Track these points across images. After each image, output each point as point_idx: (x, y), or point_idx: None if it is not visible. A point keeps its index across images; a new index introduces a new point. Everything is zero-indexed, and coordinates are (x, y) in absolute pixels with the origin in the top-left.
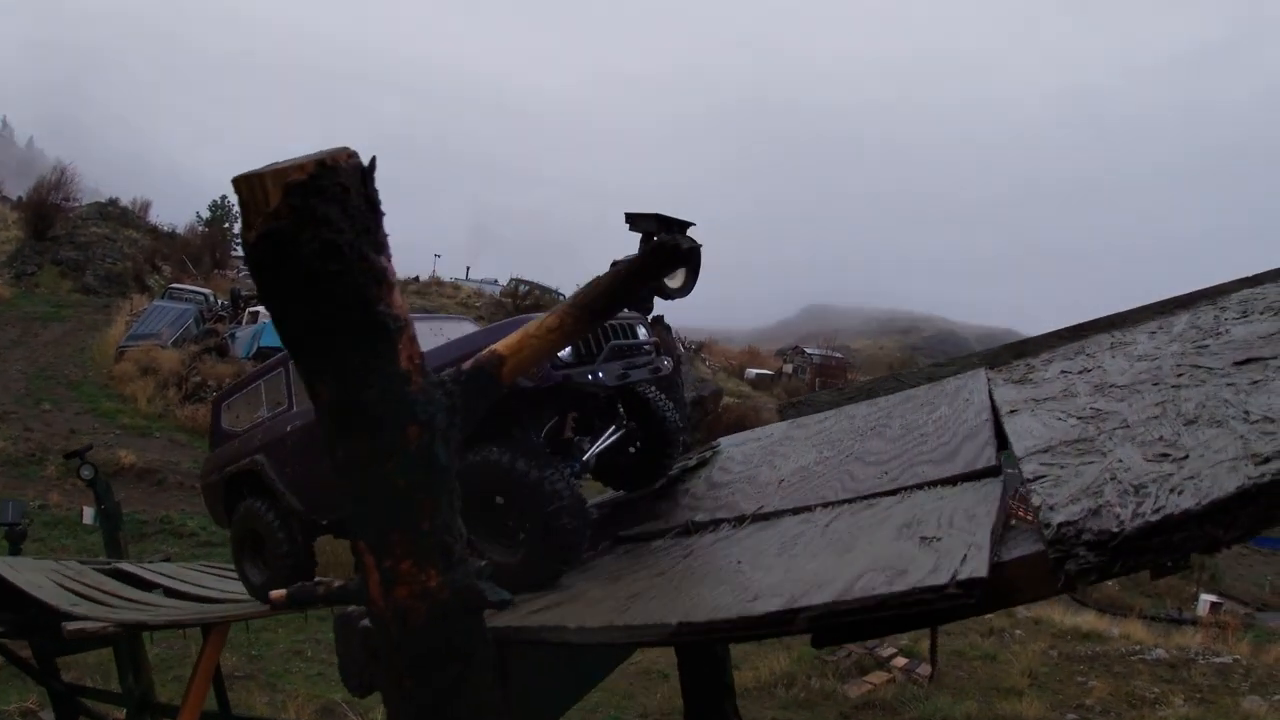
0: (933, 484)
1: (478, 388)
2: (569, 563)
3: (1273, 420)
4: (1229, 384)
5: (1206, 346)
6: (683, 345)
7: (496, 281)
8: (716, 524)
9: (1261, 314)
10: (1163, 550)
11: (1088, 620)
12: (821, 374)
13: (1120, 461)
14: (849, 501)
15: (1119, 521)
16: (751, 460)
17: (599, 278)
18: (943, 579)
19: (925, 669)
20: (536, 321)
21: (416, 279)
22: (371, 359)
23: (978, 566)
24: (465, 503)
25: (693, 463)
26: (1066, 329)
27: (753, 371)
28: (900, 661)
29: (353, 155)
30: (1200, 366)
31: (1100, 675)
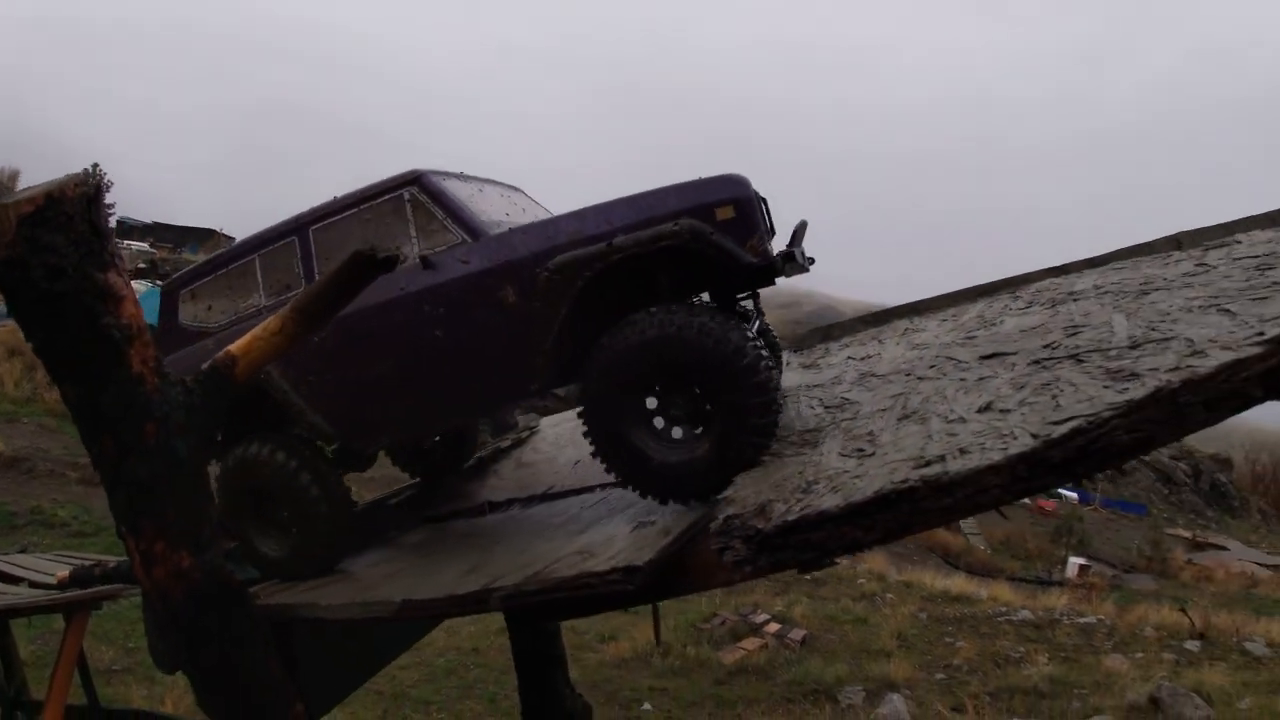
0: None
1: (216, 385)
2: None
3: (964, 421)
4: (961, 379)
5: (974, 338)
6: None
7: None
8: (510, 504)
9: (1042, 306)
10: (802, 548)
11: (958, 583)
12: None
13: (821, 456)
14: (600, 488)
15: (768, 519)
16: (560, 441)
17: (311, 286)
18: (605, 566)
19: (798, 634)
20: (263, 325)
21: None
22: (104, 366)
23: (643, 555)
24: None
25: (507, 443)
26: (872, 314)
27: None
28: (773, 627)
29: (81, 184)
30: (952, 359)
31: (968, 636)
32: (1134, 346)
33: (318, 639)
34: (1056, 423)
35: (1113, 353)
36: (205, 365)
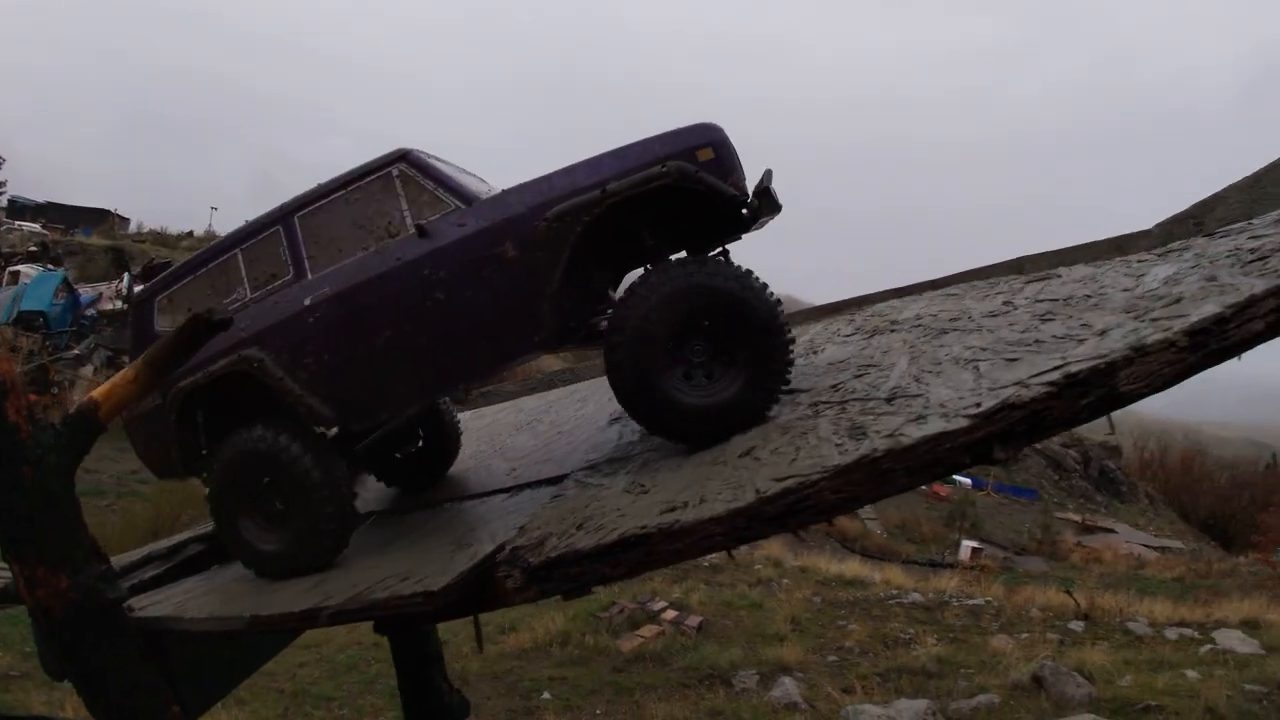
0: (540, 484)
1: (83, 427)
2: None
3: (724, 465)
4: None
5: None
6: None
7: None
8: (369, 515)
9: (864, 335)
10: (562, 580)
11: (852, 567)
12: None
13: (608, 491)
14: (472, 497)
15: (540, 554)
16: None
17: (161, 341)
18: (409, 590)
19: (694, 620)
20: (121, 373)
21: (190, 234)
22: None
23: (442, 581)
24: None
25: None
26: None
27: None
28: (670, 614)
29: None
30: None
31: (860, 619)
32: (890, 399)
33: (192, 646)
34: (778, 479)
35: (871, 404)
36: (74, 409)
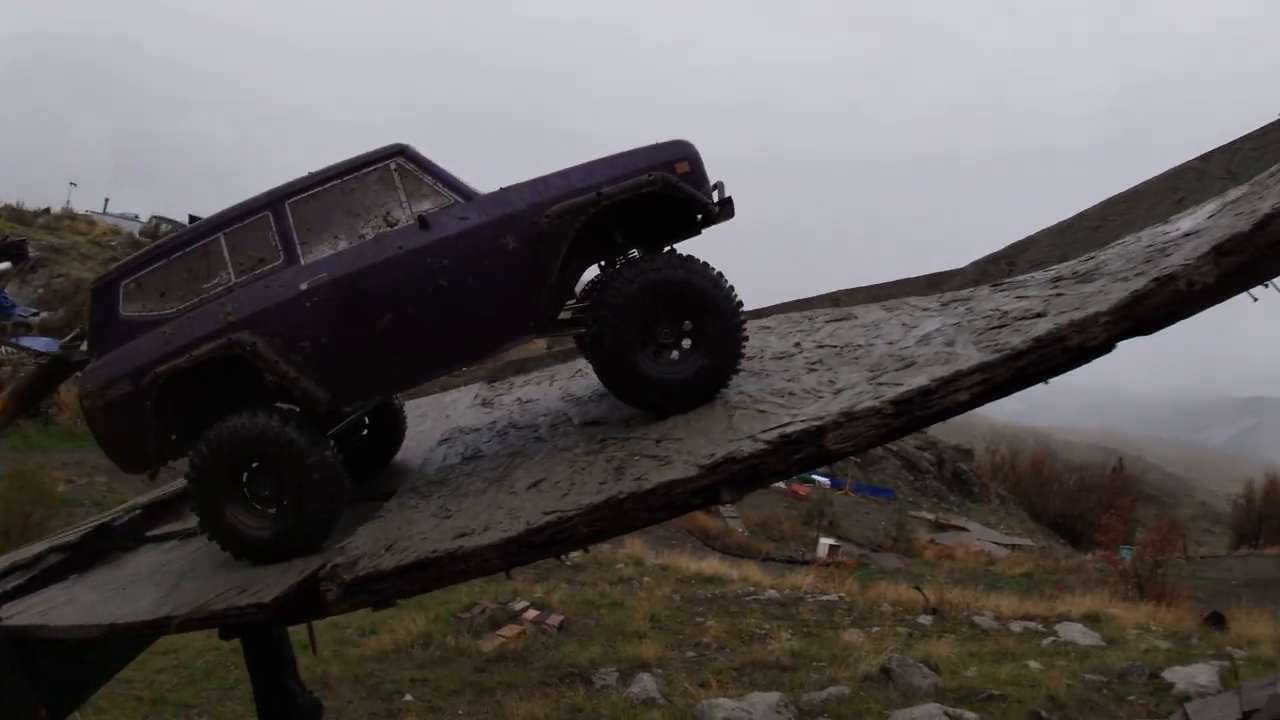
0: (367, 500)
1: None
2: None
3: (514, 494)
4: (552, 447)
5: (603, 398)
6: None
7: (137, 217)
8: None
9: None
10: (370, 594)
11: (711, 565)
12: None
13: (419, 514)
14: None
15: (353, 571)
16: None
17: (24, 378)
18: (245, 601)
19: (556, 619)
20: None
21: (47, 210)
22: None
23: (273, 593)
24: None
25: None
26: (562, 350)
27: None
28: (532, 614)
29: None
30: (567, 421)
31: (717, 615)
32: (658, 441)
33: (58, 650)
34: (546, 513)
35: (643, 444)
36: None
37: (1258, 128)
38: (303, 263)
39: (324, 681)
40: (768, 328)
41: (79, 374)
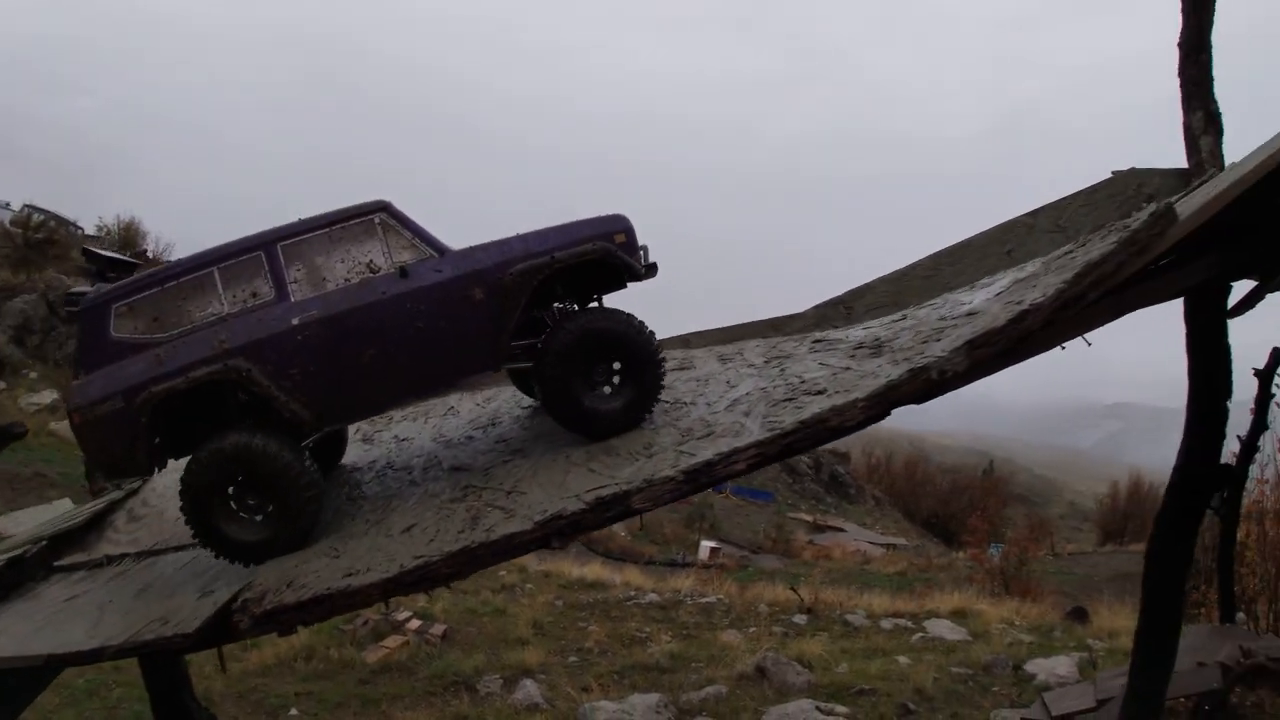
0: None
1: None
2: None
3: (390, 537)
4: (424, 490)
5: (470, 440)
6: None
7: (9, 205)
8: (123, 558)
9: (528, 408)
10: (275, 625)
11: (594, 570)
12: None
13: (312, 552)
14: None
15: (260, 605)
16: (167, 494)
17: None
18: (171, 632)
19: (439, 629)
20: None
21: None
22: None
23: (194, 624)
24: None
25: (121, 494)
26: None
27: None
28: (415, 624)
29: None
30: (437, 464)
31: (599, 620)
32: (509, 493)
33: None
34: (416, 557)
35: (498, 494)
36: None
37: (1088, 185)
38: (292, 300)
39: (207, 698)
40: None
41: (71, 387)
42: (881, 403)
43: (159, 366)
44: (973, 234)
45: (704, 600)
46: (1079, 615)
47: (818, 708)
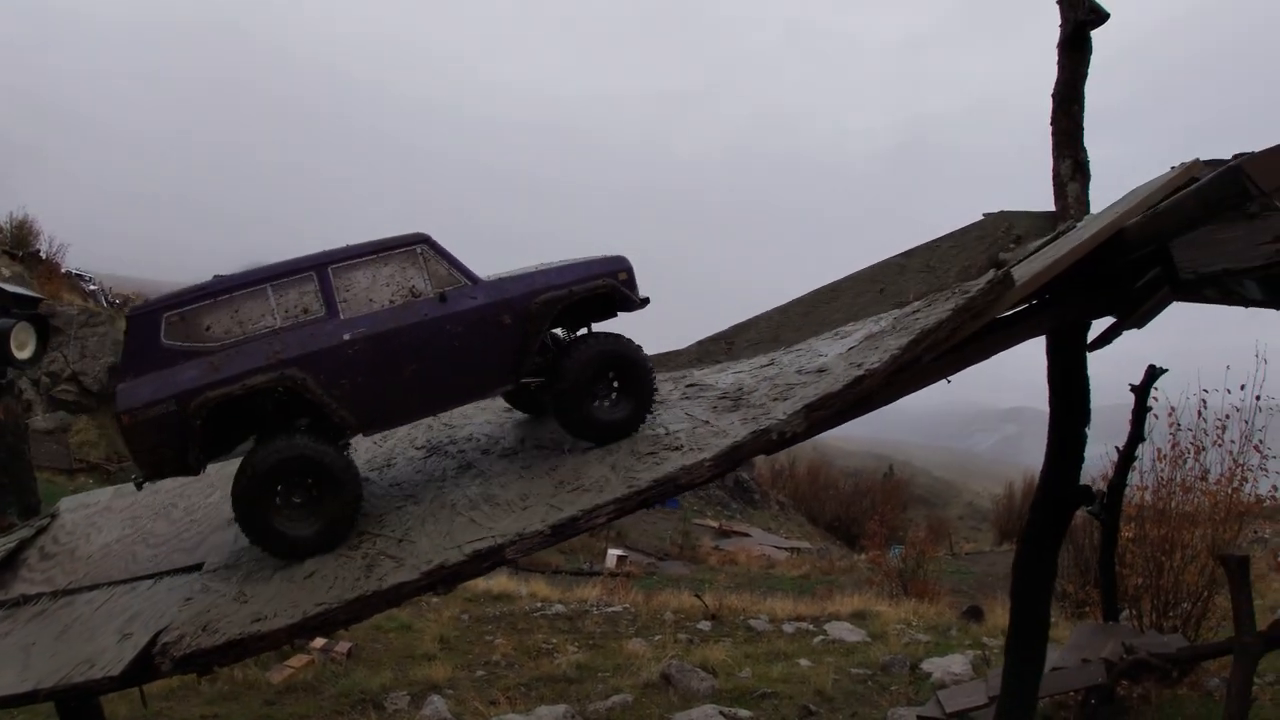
0: (177, 572)
1: None
2: None
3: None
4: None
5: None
6: (106, 299)
7: None
8: (39, 597)
9: (421, 449)
10: (194, 666)
11: (500, 582)
12: None
13: (222, 598)
14: (123, 582)
15: (180, 647)
16: (76, 531)
17: None
18: (99, 675)
19: (344, 646)
20: None
21: None
22: None
23: (118, 667)
24: None
25: (32, 531)
26: None
27: None
28: (319, 642)
29: None
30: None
31: (506, 632)
32: (400, 540)
33: None
34: (319, 604)
35: (389, 543)
36: None
37: (959, 227)
38: (341, 317)
39: None
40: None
41: (118, 389)
42: (726, 461)
43: (214, 373)
44: (847, 273)
45: (610, 610)
46: (974, 614)
47: (721, 713)
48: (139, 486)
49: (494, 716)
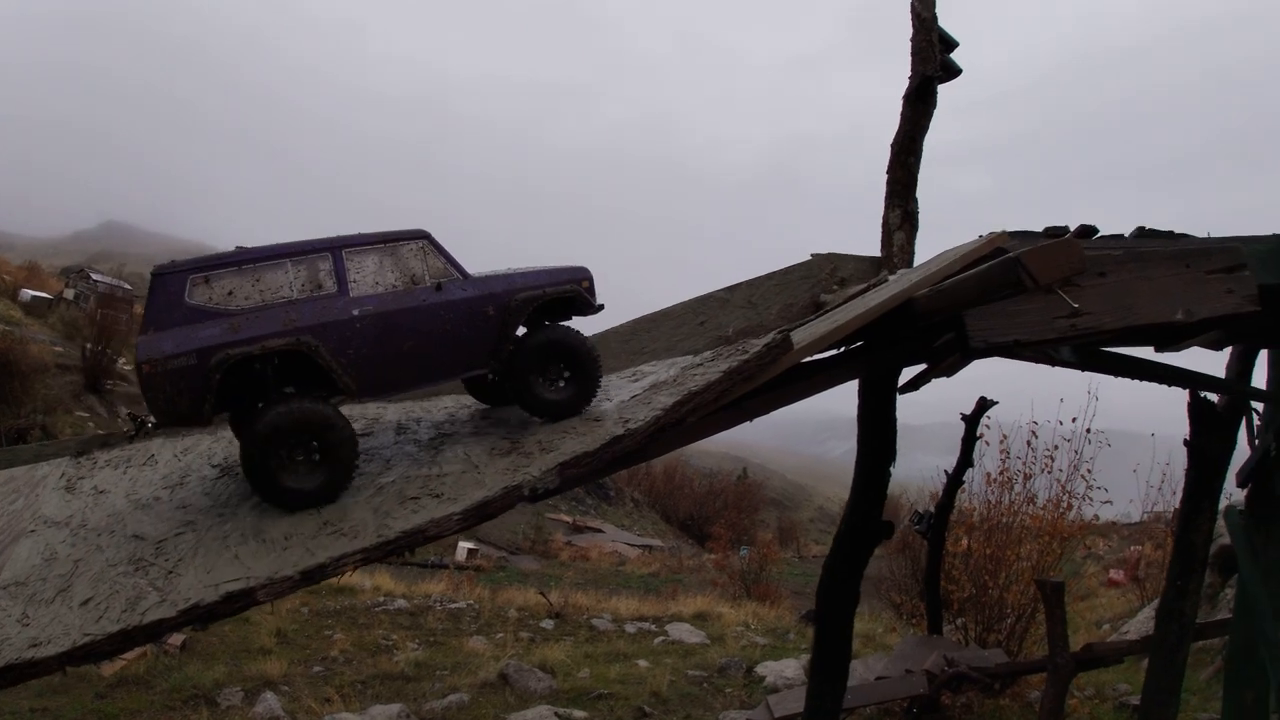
0: None
1: None
2: None
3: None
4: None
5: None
6: None
7: None
8: None
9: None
10: (20, 678)
11: (344, 574)
12: (105, 305)
13: (8, 616)
14: None
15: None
16: None
17: None
18: None
19: (177, 639)
20: None
21: None
22: None
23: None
24: None
25: None
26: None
27: (28, 293)
28: None
29: None
30: (125, 529)
31: (346, 628)
32: (169, 573)
33: None
34: (87, 633)
35: (157, 572)
36: None
37: (784, 267)
38: (350, 295)
39: None
40: None
41: (139, 341)
42: (474, 517)
43: (234, 333)
44: (675, 303)
45: (453, 606)
46: (812, 618)
47: (556, 714)
48: (131, 438)
49: (327, 715)
